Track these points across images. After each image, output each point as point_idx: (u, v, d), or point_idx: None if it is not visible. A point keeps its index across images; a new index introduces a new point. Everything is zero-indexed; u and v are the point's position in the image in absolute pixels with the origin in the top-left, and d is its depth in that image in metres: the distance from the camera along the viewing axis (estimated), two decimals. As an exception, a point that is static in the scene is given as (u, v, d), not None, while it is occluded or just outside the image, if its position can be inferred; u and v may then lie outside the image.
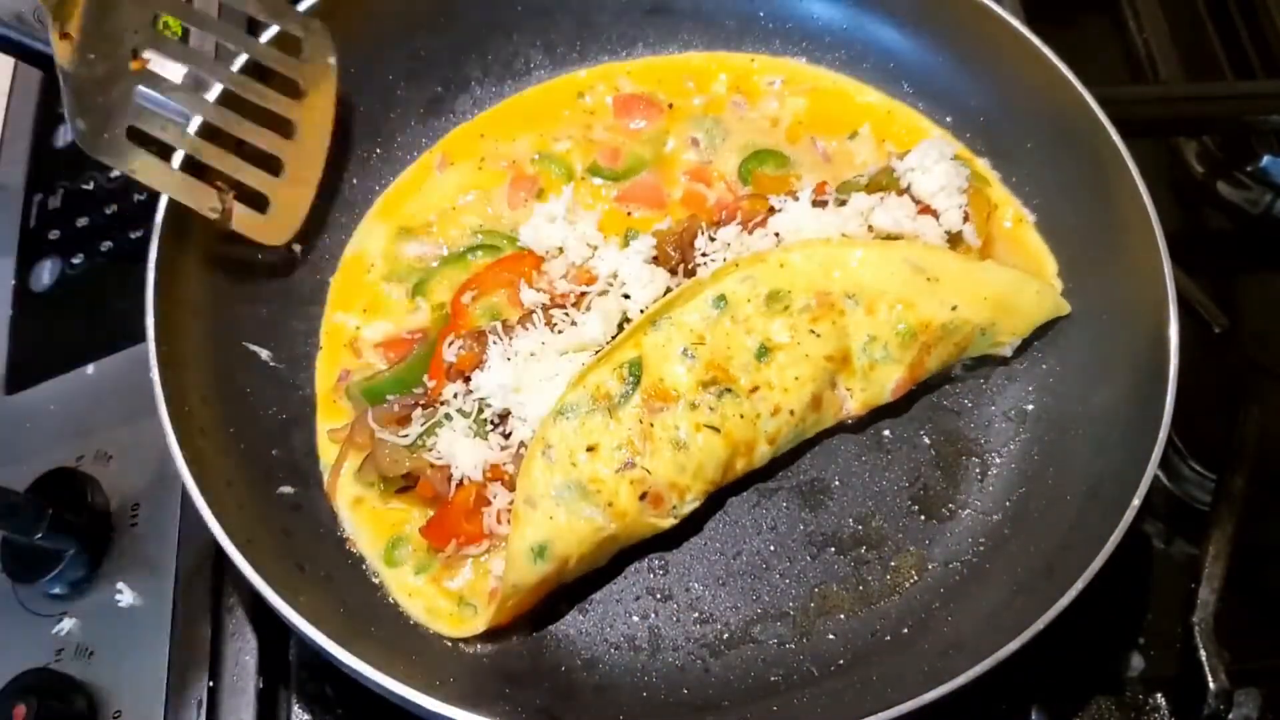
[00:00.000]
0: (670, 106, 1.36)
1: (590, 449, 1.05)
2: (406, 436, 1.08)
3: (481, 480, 1.06)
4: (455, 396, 1.09)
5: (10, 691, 1.04)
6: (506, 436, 1.08)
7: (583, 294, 1.14)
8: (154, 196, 1.12)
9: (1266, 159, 1.44)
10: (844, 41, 1.37)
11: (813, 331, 1.11)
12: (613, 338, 1.11)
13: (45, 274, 1.31)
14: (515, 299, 1.17)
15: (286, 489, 1.11)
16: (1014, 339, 1.20)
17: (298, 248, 1.25)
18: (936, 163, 1.21)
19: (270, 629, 1.08)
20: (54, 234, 1.33)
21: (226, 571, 1.10)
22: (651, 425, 1.07)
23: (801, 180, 1.30)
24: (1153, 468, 1.02)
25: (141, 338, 1.05)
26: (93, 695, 1.04)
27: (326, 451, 1.15)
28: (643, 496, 1.05)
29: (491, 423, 1.08)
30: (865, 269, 1.14)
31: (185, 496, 1.11)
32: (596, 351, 1.09)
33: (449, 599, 1.07)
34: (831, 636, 1.09)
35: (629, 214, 1.30)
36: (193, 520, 1.11)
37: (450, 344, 1.13)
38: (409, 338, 1.20)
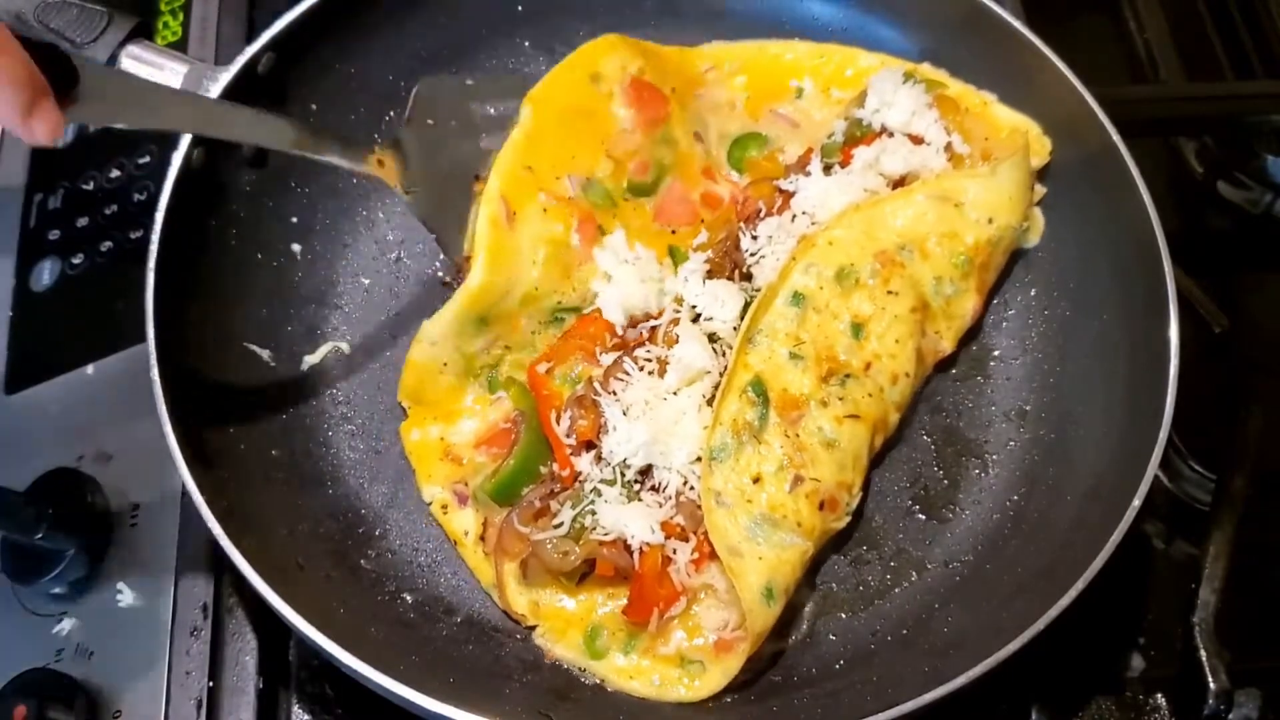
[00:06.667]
0: (672, 91, 1.29)
1: (756, 480, 1.04)
2: (561, 526, 1.03)
3: (661, 543, 1.03)
4: (592, 468, 1.06)
5: (10, 691, 1.04)
6: (657, 490, 1.05)
7: (653, 328, 1.12)
8: (154, 196, 1.12)
9: (1267, 159, 1.44)
10: (844, 41, 1.37)
11: (890, 293, 1.13)
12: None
13: (45, 274, 1.30)
14: (592, 359, 1.12)
15: (286, 489, 1.11)
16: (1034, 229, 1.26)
17: (297, 248, 1.25)
18: (895, 93, 1.22)
19: (270, 629, 1.08)
20: (54, 234, 1.33)
21: (226, 571, 1.10)
22: (798, 435, 1.06)
23: (785, 153, 1.30)
24: (1153, 468, 1.02)
25: (141, 338, 1.05)
26: (93, 695, 1.04)
27: (480, 573, 1.10)
28: (821, 505, 1.05)
29: (637, 481, 1.05)
30: (900, 219, 1.17)
31: (185, 496, 1.11)
32: (717, 386, 1.07)
33: (671, 665, 1.04)
34: (832, 636, 1.09)
35: (672, 232, 1.25)
36: (193, 520, 1.11)
37: (559, 420, 1.08)
38: (506, 426, 1.14)
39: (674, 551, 1.03)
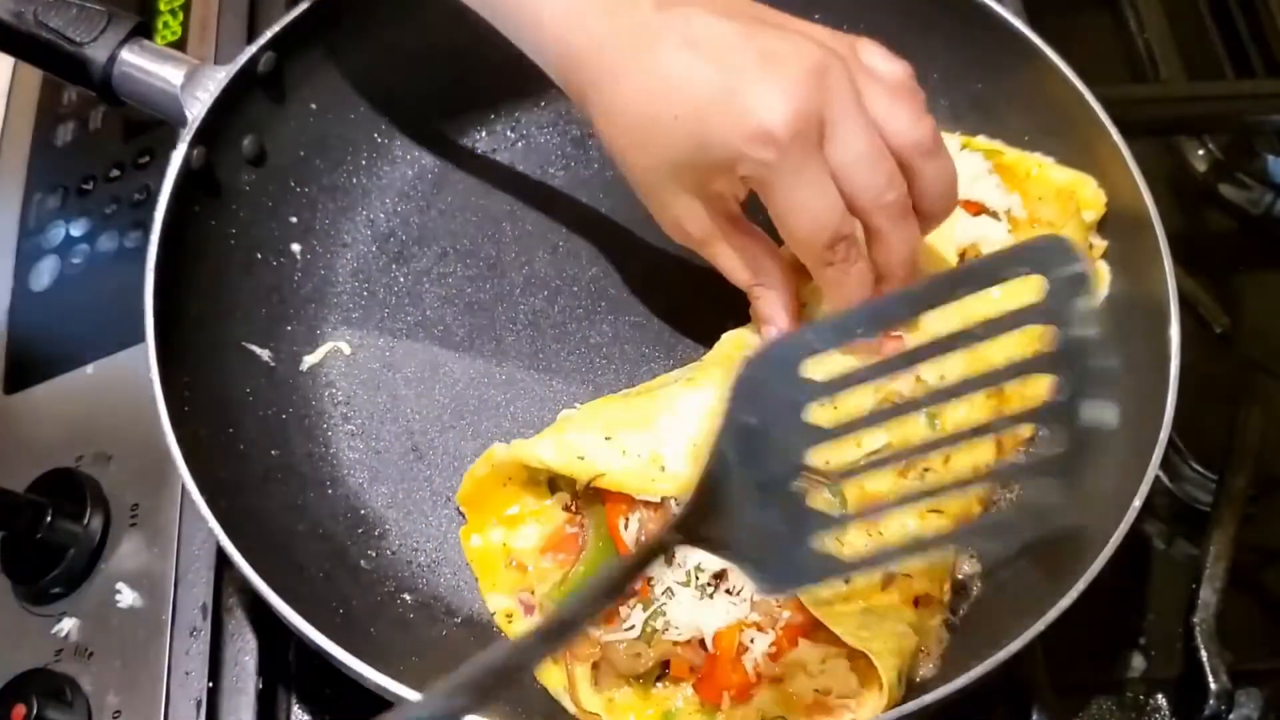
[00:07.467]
0: None
1: (847, 580, 0.99)
2: (633, 629, 1.00)
3: (736, 624, 1.00)
4: (663, 570, 1.01)
5: (9, 691, 1.04)
6: (731, 593, 1.01)
7: None
8: (154, 196, 1.12)
9: (1269, 159, 1.44)
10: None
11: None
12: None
13: (45, 274, 1.30)
14: None
15: (286, 489, 1.11)
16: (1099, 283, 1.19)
17: (297, 248, 1.25)
18: (955, 158, 1.20)
19: (270, 629, 1.08)
20: (54, 234, 1.33)
21: (226, 571, 1.10)
22: (881, 534, 1.00)
23: None
24: (1153, 468, 1.02)
25: (141, 338, 1.05)
26: (92, 695, 1.04)
27: (550, 678, 1.04)
28: (915, 602, 1.01)
29: (710, 584, 1.01)
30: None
31: (185, 496, 1.11)
32: None
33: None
34: (832, 637, 1.09)
35: None
36: (193, 520, 1.11)
37: (626, 525, 1.04)
38: (572, 531, 1.09)
39: (751, 641, 0.99)
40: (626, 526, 1.05)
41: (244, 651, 1.08)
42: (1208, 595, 1.08)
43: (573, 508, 1.10)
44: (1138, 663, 1.13)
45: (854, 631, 0.97)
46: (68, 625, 1.09)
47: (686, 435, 1.04)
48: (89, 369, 1.22)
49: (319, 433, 1.18)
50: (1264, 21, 1.54)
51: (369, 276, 1.27)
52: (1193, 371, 1.07)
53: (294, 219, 1.26)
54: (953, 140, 1.24)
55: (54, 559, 1.10)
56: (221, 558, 1.07)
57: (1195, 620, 1.07)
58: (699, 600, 1.01)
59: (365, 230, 1.29)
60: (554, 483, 1.11)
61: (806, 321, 1.10)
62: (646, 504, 1.04)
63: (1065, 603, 0.96)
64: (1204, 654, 1.06)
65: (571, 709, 1.03)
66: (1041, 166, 1.24)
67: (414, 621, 1.07)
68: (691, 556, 1.01)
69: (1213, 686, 1.05)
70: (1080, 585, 0.96)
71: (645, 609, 1.01)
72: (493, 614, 1.09)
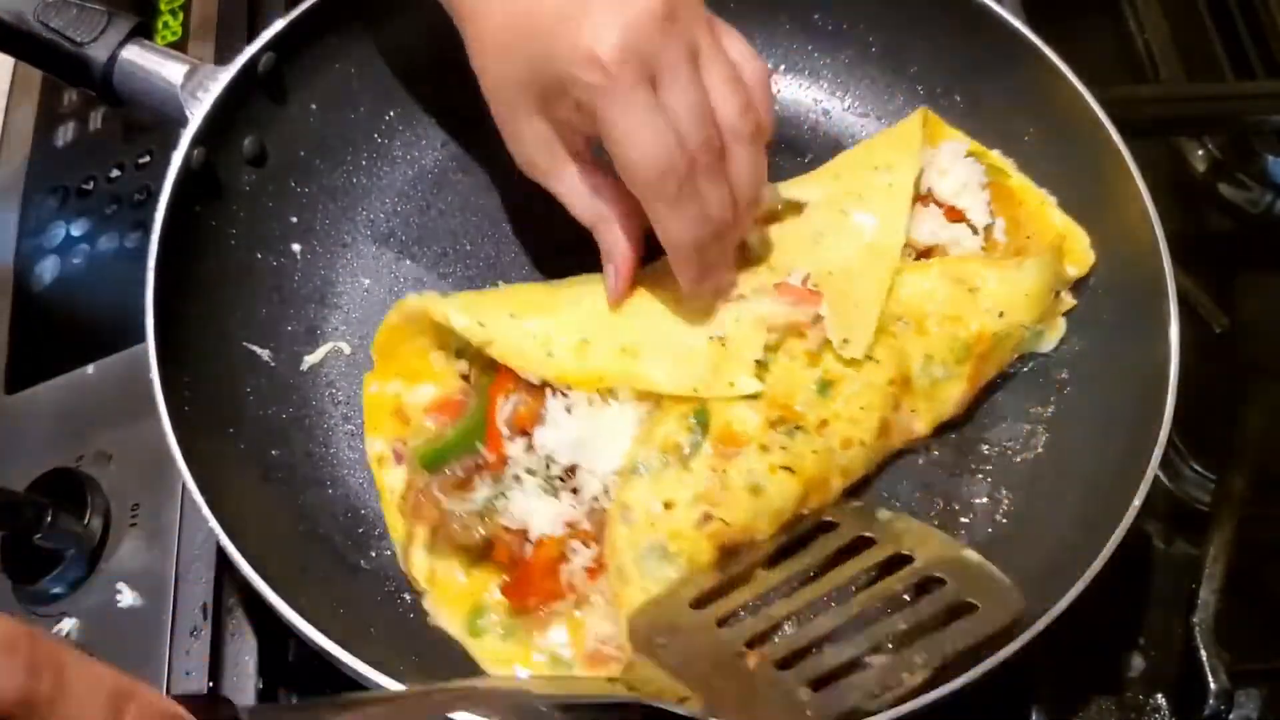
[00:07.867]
0: None
1: (667, 505, 1.00)
2: (474, 502, 1.03)
3: (561, 537, 1.02)
4: (523, 456, 1.04)
5: (10, 692, 1.04)
6: (575, 492, 1.03)
7: None
8: (154, 196, 1.12)
9: (1268, 159, 1.44)
10: (847, 42, 1.37)
11: (871, 358, 1.08)
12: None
13: (45, 274, 1.30)
14: None
15: (286, 489, 1.11)
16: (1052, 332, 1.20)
17: (297, 248, 1.25)
18: (953, 163, 1.21)
19: (270, 629, 1.08)
20: (54, 234, 1.33)
21: (226, 571, 1.10)
22: (725, 472, 1.02)
23: None
24: (1153, 468, 1.02)
25: (141, 338, 1.05)
26: (92, 695, 1.04)
27: (395, 530, 1.09)
28: (720, 549, 1.01)
29: (560, 479, 1.04)
30: (906, 290, 1.12)
31: (185, 496, 1.11)
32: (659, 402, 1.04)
33: (540, 654, 1.02)
34: (831, 637, 1.09)
35: None
36: (193, 520, 1.11)
37: (505, 401, 1.06)
38: (460, 398, 1.13)
39: (574, 552, 1.02)
40: (504, 406, 1.06)
41: (244, 651, 1.08)
42: (1207, 595, 1.08)
43: (469, 377, 1.13)
44: (1137, 663, 1.13)
45: (622, 565, 0.98)
46: (68, 625, 1.09)
47: (580, 330, 1.07)
48: (89, 369, 1.22)
49: (319, 433, 1.18)
50: (1264, 22, 1.55)
51: (369, 276, 1.27)
52: (1193, 371, 1.07)
53: (294, 219, 1.26)
54: (961, 145, 1.25)
55: (54, 559, 1.10)
56: (221, 558, 1.07)
57: (1195, 620, 1.07)
58: (542, 492, 1.03)
59: (365, 230, 1.29)
60: (462, 352, 1.13)
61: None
62: (530, 387, 1.05)
63: (1065, 602, 0.96)
64: (1203, 654, 1.06)
65: (403, 567, 1.06)
66: (1044, 204, 1.23)
67: (414, 621, 1.07)
68: (547, 445, 1.03)
69: (1212, 686, 1.05)
70: (1080, 585, 0.97)
71: (495, 485, 1.03)
72: (369, 454, 1.12)
